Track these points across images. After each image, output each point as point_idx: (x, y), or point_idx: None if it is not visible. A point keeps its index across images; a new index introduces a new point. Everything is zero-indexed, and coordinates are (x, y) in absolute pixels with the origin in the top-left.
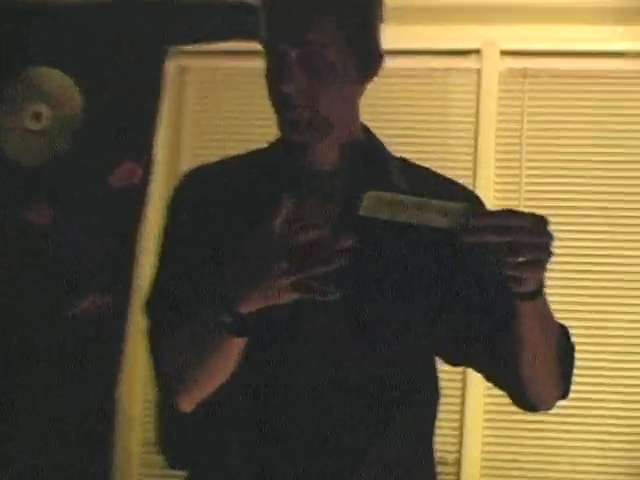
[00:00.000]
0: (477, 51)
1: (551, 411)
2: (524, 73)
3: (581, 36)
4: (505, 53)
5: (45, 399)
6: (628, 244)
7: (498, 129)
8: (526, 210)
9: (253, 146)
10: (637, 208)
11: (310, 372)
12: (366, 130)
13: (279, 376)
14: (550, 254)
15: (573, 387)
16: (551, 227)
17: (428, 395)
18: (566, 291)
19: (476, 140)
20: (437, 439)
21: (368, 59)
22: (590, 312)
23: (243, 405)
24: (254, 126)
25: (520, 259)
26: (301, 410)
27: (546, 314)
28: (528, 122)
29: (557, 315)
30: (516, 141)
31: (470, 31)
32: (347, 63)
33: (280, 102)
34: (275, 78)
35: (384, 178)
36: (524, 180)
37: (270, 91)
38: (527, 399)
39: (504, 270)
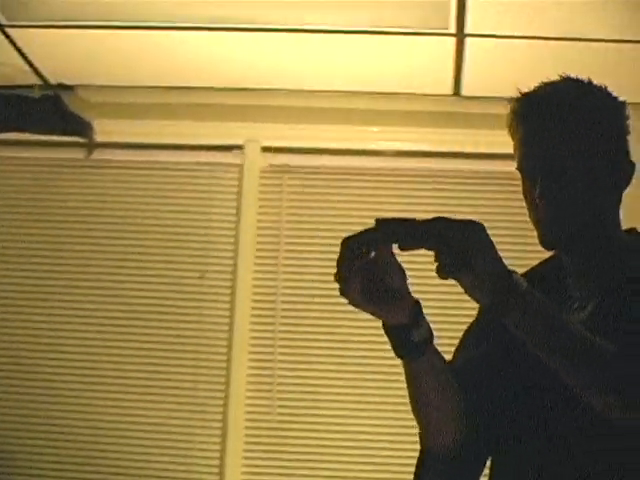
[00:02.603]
0: (240, 147)
1: None
2: (284, 169)
3: (339, 136)
4: (266, 149)
5: None
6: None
7: (259, 221)
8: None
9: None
10: None
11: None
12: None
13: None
14: None
15: None
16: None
17: None
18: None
19: (237, 231)
20: None
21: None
22: None
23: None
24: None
25: None
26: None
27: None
28: (287, 215)
29: None
30: (275, 232)
31: (233, 128)
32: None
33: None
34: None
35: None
36: (281, 273)
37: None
38: None
39: None
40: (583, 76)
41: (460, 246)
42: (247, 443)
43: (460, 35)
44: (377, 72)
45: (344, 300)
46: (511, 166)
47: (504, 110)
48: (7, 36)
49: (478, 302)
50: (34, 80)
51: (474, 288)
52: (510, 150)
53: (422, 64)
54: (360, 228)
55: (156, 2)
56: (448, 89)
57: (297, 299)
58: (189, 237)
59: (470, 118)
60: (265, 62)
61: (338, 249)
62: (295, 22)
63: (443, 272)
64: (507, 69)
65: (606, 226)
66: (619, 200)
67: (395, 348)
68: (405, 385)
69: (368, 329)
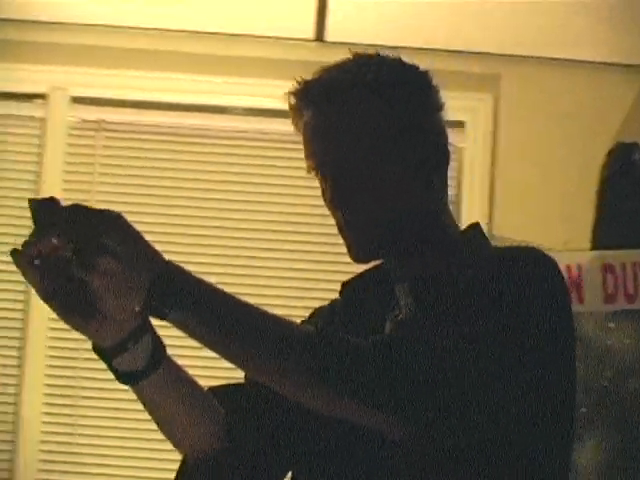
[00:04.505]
0: (43, 96)
1: None
2: (98, 126)
3: (171, 86)
4: (77, 100)
5: None
6: None
7: (65, 190)
8: None
9: None
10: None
11: None
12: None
13: None
14: None
15: None
16: None
17: None
18: None
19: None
20: None
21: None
22: None
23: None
24: None
25: None
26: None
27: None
28: (99, 184)
29: None
30: (84, 201)
31: (35, 72)
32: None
33: None
34: None
35: None
36: None
37: None
38: None
39: None
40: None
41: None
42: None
43: None
44: (222, 8)
45: None
46: None
47: None
48: None
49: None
50: None
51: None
52: None
53: (284, 5)
54: (186, 200)
55: None
56: (310, 33)
57: None
58: None
59: None
60: None
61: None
62: None
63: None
64: (376, 12)
65: (421, 221)
66: (441, 186)
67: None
68: None
69: None
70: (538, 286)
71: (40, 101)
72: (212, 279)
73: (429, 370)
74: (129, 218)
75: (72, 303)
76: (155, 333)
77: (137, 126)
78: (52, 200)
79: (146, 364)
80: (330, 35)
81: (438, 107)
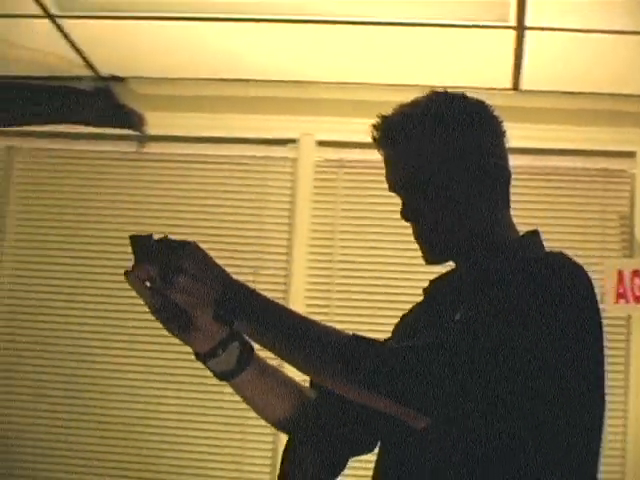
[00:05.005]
0: (294, 141)
1: None
2: (339, 163)
3: None
4: (321, 143)
5: None
6: None
7: (313, 216)
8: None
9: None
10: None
11: None
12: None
13: None
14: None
15: None
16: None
17: None
18: None
19: (292, 226)
20: None
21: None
22: None
23: None
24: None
25: None
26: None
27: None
28: (341, 210)
29: None
30: (330, 228)
31: (288, 121)
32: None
33: None
34: None
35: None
36: (336, 270)
37: None
38: None
39: None
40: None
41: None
42: None
43: (520, 28)
44: (435, 65)
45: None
46: (566, 161)
47: (565, 104)
48: (58, 27)
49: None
50: (85, 72)
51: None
52: (568, 145)
53: (481, 57)
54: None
55: None
56: (507, 83)
57: (351, 296)
58: (243, 232)
59: (529, 112)
60: (320, 55)
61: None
62: (352, 14)
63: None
64: (567, 63)
65: (483, 232)
66: (501, 202)
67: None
68: None
69: None
70: (568, 286)
71: (292, 145)
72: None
73: (447, 374)
74: (365, 241)
75: (172, 317)
76: (243, 339)
77: (371, 163)
78: (147, 236)
79: (235, 366)
80: (525, 84)
81: (499, 134)
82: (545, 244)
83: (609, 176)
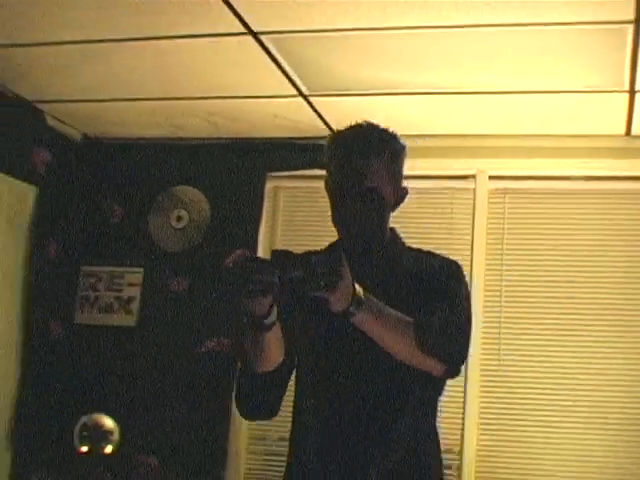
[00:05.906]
0: (473, 176)
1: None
2: (505, 191)
3: (546, 165)
4: (492, 177)
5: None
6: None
7: (488, 233)
8: (507, 304)
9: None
10: (612, 315)
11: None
12: (392, 231)
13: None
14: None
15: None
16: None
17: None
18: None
19: (472, 245)
20: (443, 433)
21: (400, 194)
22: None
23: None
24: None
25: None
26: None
27: (383, 316)
28: (508, 231)
29: None
30: (499, 247)
31: (468, 162)
32: (390, 197)
33: (338, 223)
34: (339, 207)
35: (395, 258)
36: (504, 292)
37: (332, 211)
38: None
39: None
40: None
41: (331, 272)
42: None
43: (632, 91)
44: (566, 120)
45: (567, 313)
46: None
47: None
48: (309, 102)
49: (334, 311)
50: (326, 132)
51: (337, 301)
52: None
53: (600, 115)
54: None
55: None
56: (621, 130)
57: (520, 310)
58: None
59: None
60: (495, 116)
61: (555, 262)
62: (517, 87)
63: (313, 291)
64: None
65: (384, 233)
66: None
67: (254, 326)
68: None
69: (603, 344)
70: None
71: (471, 179)
72: None
73: (461, 337)
74: (529, 265)
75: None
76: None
77: (533, 192)
78: (287, 250)
79: (271, 323)
80: (636, 130)
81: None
82: None
83: None
